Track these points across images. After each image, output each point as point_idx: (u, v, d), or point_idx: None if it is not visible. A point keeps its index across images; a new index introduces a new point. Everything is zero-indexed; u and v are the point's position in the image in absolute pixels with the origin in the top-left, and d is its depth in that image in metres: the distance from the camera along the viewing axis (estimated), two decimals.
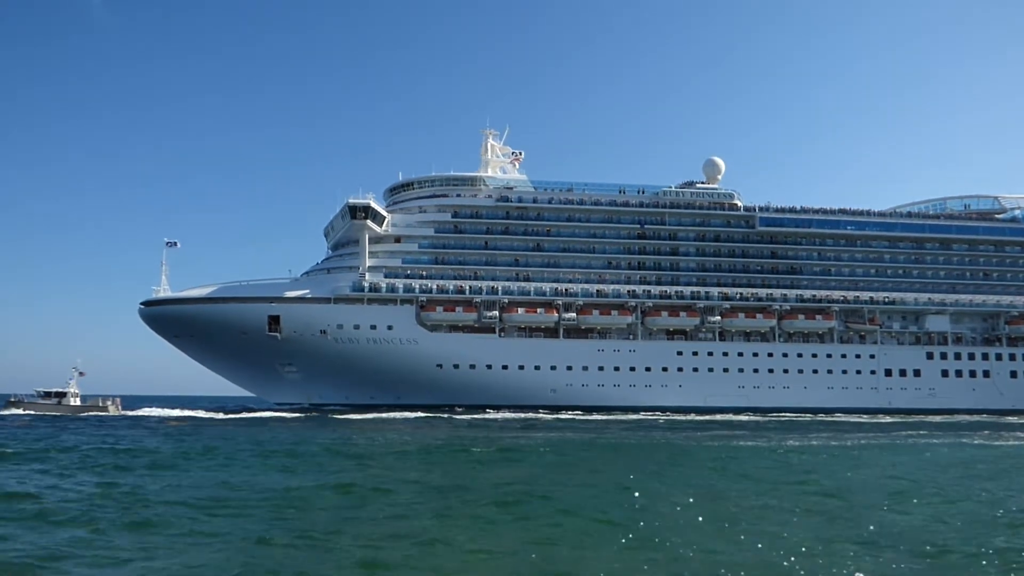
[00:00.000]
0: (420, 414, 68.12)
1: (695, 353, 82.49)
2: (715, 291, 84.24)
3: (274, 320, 75.03)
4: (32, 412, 68.27)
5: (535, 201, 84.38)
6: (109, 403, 73.43)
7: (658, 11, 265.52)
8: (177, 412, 73.43)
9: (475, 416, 67.45)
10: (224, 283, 78.54)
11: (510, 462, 30.96)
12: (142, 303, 78.65)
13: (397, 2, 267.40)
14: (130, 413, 72.90)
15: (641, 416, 71.97)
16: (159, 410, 76.33)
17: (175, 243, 79.03)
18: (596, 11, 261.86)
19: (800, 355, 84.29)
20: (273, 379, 78.89)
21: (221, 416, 67.52)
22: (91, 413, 69.39)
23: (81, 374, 70.98)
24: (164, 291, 77.95)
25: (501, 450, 35.50)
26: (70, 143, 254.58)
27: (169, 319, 77.58)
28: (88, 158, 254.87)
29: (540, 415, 70.64)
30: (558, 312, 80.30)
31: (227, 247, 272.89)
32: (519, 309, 79.78)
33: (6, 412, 68.52)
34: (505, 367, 78.30)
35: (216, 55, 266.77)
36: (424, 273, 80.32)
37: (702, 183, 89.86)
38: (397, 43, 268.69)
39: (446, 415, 68.03)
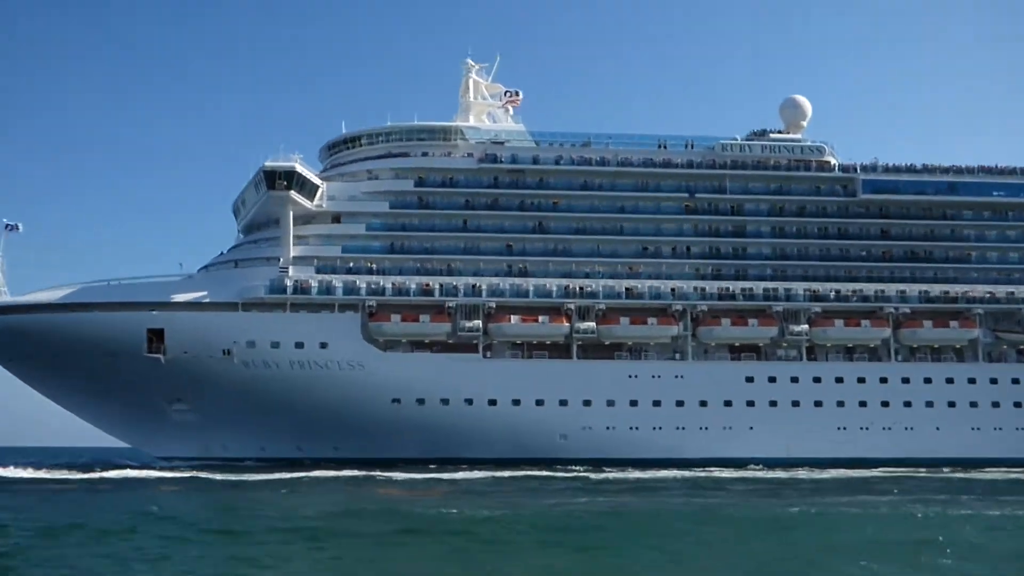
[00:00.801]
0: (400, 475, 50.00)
1: (772, 379, 62.66)
2: (800, 288, 64.62)
3: (156, 335, 58.37)
4: None
5: (536, 161, 65.20)
6: None
7: None
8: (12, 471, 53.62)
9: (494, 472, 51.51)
10: (86, 283, 61.44)
11: None
12: None
13: None
14: None
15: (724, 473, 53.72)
16: None
17: (16, 226, 61.09)
18: None
19: (928, 380, 63.79)
20: (155, 422, 60.94)
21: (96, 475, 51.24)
22: None
23: None
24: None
25: None
26: None
27: (4, 333, 59.49)
28: None
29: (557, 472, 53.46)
30: (570, 321, 61.50)
31: (91, 232, 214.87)
32: (512, 317, 61.32)
33: None
34: (493, 402, 60.02)
35: None
36: (374, 266, 61.91)
37: (779, 132, 69.60)
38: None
39: (446, 475, 51.16)
